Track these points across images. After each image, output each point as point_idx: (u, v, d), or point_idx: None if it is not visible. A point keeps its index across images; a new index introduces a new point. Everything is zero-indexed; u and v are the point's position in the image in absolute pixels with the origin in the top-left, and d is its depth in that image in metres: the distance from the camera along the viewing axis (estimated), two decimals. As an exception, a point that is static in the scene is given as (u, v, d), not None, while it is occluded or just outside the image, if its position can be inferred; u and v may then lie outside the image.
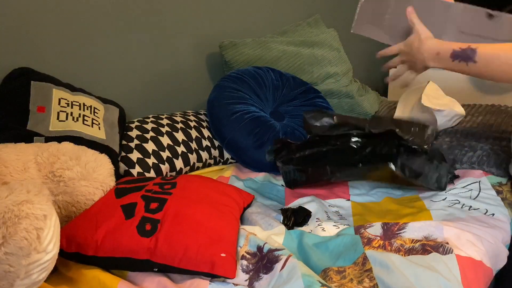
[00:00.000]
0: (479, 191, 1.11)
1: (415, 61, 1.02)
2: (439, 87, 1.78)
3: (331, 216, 1.12)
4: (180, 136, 1.41)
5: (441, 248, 0.91)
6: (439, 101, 1.62)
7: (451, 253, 0.90)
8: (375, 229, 0.99)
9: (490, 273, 0.93)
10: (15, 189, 0.75)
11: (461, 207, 1.06)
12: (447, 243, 0.93)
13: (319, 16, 2.15)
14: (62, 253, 0.89)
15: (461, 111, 1.66)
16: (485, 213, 1.03)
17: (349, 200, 1.22)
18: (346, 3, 2.55)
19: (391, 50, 1.08)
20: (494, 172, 1.24)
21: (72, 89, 1.28)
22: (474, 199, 1.09)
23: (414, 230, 0.97)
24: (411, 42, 1.02)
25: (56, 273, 0.90)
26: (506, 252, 0.98)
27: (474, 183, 1.15)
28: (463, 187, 1.15)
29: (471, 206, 1.06)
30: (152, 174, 1.30)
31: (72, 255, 0.90)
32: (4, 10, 1.22)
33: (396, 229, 0.98)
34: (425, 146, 1.08)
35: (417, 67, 1.03)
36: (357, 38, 2.66)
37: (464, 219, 1.01)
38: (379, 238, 0.96)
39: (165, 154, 1.34)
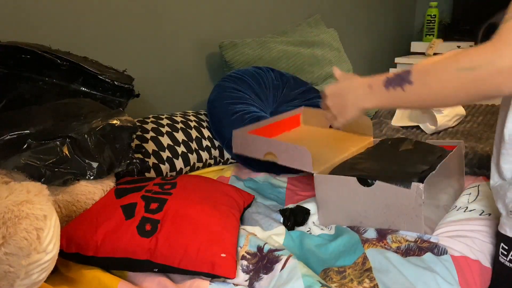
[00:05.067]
0: (477, 194, 1.11)
1: (343, 104, 0.89)
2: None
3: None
4: (180, 136, 1.41)
5: (435, 249, 0.92)
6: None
7: (446, 253, 0.90)
8: (370, 233, 0.99)
9: (490, 272, 0.93)
10: (15, 189, 0.75)
11: (457, 210, 1.06)
12: (440, 243, 0.93)
13: (319, 16, 2.15)
14: (62, 254, 0.89)
15: (462, 111, 1.66)
16: (480, 214, 1.03)
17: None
18: (346, 3, 2.55)
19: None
20: None
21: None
22: (471, 202, 1.09)
23: (407, 233, 0.98)
24: (342, 80, 0.92)
25: (56, 273, 0.90)
26: None
27: (473, 187, 1.15)
28: (462, 194, 1.15)
29: (467, 208, 1.06)
30: (152, 174, 1.30)
31: (72, 256, 0.90)
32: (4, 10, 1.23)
33: (390, 232, 0.98)
34: None
35: (345, 111, 0.90)
36: (357, 38, 2.66)
37: (458, 221, 1.01)
38: (375, 240, 0.96)
39: (165, 154, 1.34)
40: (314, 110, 1.51)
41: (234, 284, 0.86)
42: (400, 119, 1.77)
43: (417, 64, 0.75)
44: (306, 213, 1.10)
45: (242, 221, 1.09)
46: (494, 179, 0.89)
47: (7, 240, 0.69)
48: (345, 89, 0.88)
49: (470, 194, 1.11)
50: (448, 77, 0.69)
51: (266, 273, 0.86)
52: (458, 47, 2.59)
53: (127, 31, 1.52)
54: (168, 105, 1.66)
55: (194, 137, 1.44)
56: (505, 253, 0.86)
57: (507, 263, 0.85)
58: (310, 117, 1.50)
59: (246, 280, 0.87)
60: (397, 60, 2.78)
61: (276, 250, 0.91)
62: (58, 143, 0.96)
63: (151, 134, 1.36)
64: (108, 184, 1.06)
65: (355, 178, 1.00)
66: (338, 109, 0.91)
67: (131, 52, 1.54)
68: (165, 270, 0.88)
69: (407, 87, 0.74)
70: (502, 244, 0.87)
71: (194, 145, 1.42)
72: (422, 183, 0.92)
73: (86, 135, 0.99)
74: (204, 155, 1.45)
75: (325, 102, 0.95)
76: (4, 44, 1.08)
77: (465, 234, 0.96)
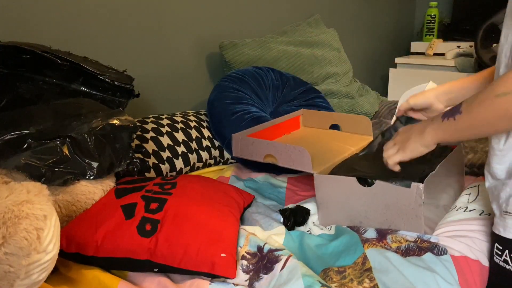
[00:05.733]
0: (477, 194, 1.11)
1: (408, 137, 0.93)
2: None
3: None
4: (180, 136, 1.41)
5: (435, 249, 0.92)
6: (439, 101, 1.61)
7: (446, 253, 0.90)
8: (370, 233, 0.99)
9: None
10: (15, 189, 0.75)
11: (457, 210, 1.06)
12: (440, 243, 0.93)
13: (319, 16, 2.15)
14: (62, 254, 0.89)
15: (461, 111, 1.65)
16: (480, 214, 1.02)
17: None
18: (346, 3, 2.55)
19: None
20: None
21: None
22: (470, 202, 1.08)
23: (407, 233, 0.98)
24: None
25: (56, 273, 0.90)
26: None
27: (473, 187, 1.14)
28: (462, 194, 1.14)
29: (467, 208, 1.06)
30: (152, 174, 1.30)
31: (72, 256, 0.90)
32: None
33: (390, 232, 0.98)
34: None
35: (408, 143, 0.92)
36: (357, 38, 2.66)
37: (458, 221, 1.01)
38: (375, 240, 0.96)
39: (165, 154, 1.34)
40: (314, 111, 1.51)
41: (234, 284, 0.86)
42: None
43: (469, 97, 0.81)
44: (306, 213, 1.10)
45: (242, 221, 1.09)
46: (489, 180, 0.90)
47: (7, 240, 0.69)
48: (414, 125, 0.94)
49: (470, 194, 1.11)
50: (489, 105, 0.75)
51: (266, 273, 0.86)
52: (458, 47, 2.59)
53: (127, 31, 1.52)
54: (168, 105, 1.66)
55: (194, 137, 1.44)
56: (499, 253, 0.86)
57: (502, 263, 0.86)
58: (310, 118, 1.50)
59: (246, 280, 0.87)
60: (397, 60, 2.78)
61: (276, 250, 0.91)
62: (58, 143, 0.96)
63: (151, 134, 1.36)
64: (108, 184, 1.06)
65: (355, 178, 1.00)
66: (402, 142, 0.94)
67: (131, 52, 1.54)
68: (165, 270, 0.88)
69: (457, 117, 0.81)
70: (496, 244, 0.88)
71: (194, 145, 1.42)
72: (422, 183, 0.92)
73: (86, 135, 0.99)
74: (204, 155, 1.45)
75: (394, 138, 0.97)
76: (4, 44, 1.08)
77: (465, 234, 0.96)
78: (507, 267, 0.84)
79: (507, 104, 0.72)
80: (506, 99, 0.71)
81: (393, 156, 0.95)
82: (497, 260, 0.87)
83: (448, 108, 0.86)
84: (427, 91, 1.06)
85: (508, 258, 0.84)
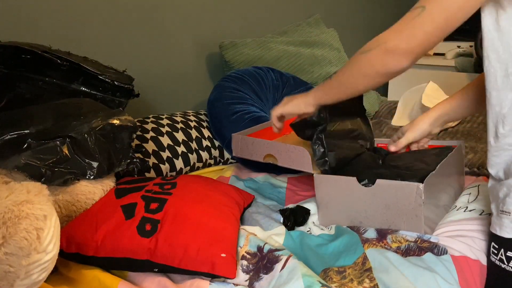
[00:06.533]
0: (477, 194, 1.11)
1: (295, 96, 1.04)
2: (439, 87, 1.77)
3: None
4: (180, 136, 1.41)
5: (435, 249, 0.91)
6: (439, 101, 1.62)
7: (446, 253, 0.90)
8: (370, 233, 0.99)
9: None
10: (15, 189, 0.75)
11: (457, 210, 1.06)
12: (440, 243, 0.93)
13: (319, 16, 2.15)
14: (62, 254, 0.89)
15: (461, 111, 1.65)
16: (480, 214, 1.02)
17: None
18: (346, 3, 2.55)
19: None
20: None
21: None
22: (470, 202, 1.08)
23: (407, 233, 0.97)
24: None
25: (56, 273, 0.90)
26: None
27: (473, 187, 1.14)
28: (462, 194, 1.14)
29: (467, 208, 1.06)
30: (152, 174, 1.30)
31: (72, 256, 0.90)
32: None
33: (390, 232, 0.98)
34: None
35: (293, 99, 1.04)
36: (357, 38, 2.66)
37: (458, 221, 1.01)
38: (375, 240, 0.96)
39: (165, 154, 1.34)
40: None
41: (234, 284, 0.86)
42: (400, 119, 1.77)
43: None
44: (306, 213, 1.10)
45: (242, 221, 1.09)
46: (490, 181, 0.90)
47: (7, 240, 0.69)
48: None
49: (470, 194, 1.11)
50: (354, 61, 0.85)
51: (266, 273, 0.86)
52: (458, 47, 2.59)
53: (127, 31, 1.52)
54: (168, 105, 1.67)
55: (194, 137, 1.44)
56: (496, 252, 0.87)
57: (498, 262, 0.86)
58: None
59: (246, 280, 0.87)
60: (397, 60, 2.78)
61: (276, 250, 0.91)
62: (58, 142, 0.97)
63: (151, 134, 1.36)
64: (108, 184, 1.06)
65: (355, 178, 1.00)
66: (288, 100, 1.05)
67: (131, 52, 1.54)
68: (165, 270, 0.88)
69: (333, 76, 0.92)
70: (492, 243, 0.88)
71: (194, 145, 1.42)
72: (422, 183, 0.92)
73: (86, 135, 0.99)
74: (204, 155, 1.45)
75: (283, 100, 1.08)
76: (4, 44, 1.08)
77: (465, 234, 0.96)
78: (503, 265, 0.85)
79: (366, 60, 0.80)
80: (367, 55, 0.80)
81: (276, 108, 1.06)
82: (493, 259, 0.88)
83: None
84: (421, 121, 1.11)
85: (503, 257, 0.84)
